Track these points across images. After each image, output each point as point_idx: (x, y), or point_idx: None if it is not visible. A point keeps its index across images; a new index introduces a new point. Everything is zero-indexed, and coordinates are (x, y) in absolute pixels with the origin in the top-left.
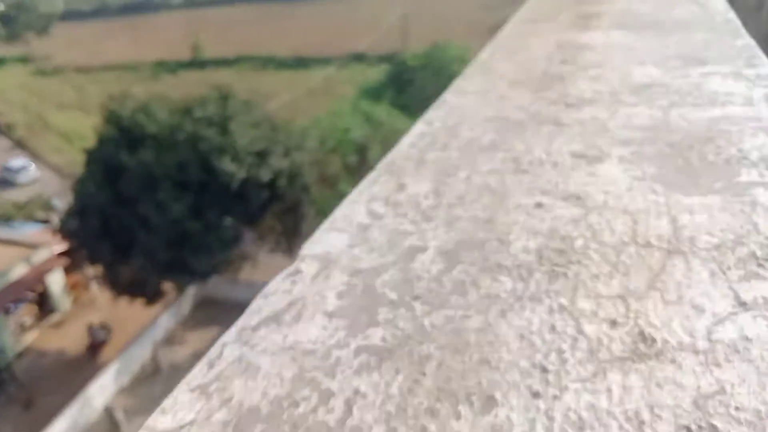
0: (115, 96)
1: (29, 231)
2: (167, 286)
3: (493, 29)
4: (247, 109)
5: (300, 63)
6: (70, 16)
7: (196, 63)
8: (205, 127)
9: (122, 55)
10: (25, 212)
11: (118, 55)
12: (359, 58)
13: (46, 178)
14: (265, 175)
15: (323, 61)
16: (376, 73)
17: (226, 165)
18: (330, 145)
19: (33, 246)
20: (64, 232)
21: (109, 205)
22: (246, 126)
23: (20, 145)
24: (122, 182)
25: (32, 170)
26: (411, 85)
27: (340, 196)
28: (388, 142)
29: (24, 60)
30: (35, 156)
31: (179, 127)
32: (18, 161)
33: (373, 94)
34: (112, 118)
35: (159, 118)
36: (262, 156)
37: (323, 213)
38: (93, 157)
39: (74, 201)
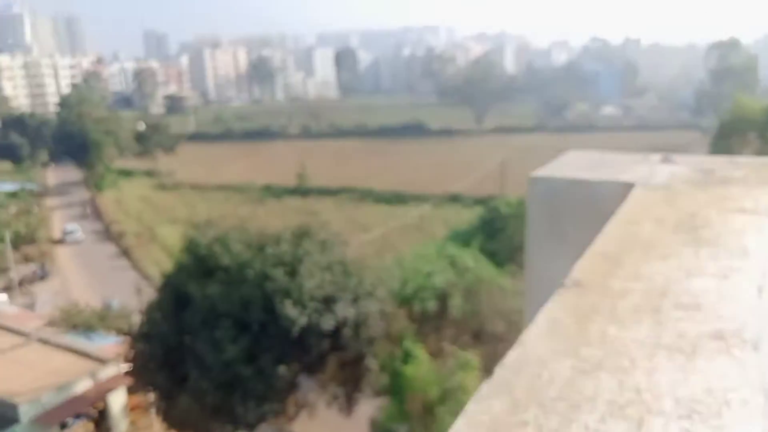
0: (197, 224)
1: (105, 344)
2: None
3: None
4: (321, 250)
5: (398, 198)
6: (197, 137)
7: (301, 190)
8: (273, 265)
9: (236, 177)
10: (106, 324)
11: (232, 177)
12: (456, 198)
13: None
14: (328, 324)
15: (421, 198)
16: (469, 216)
17: (288, 309)
18: (409, 289)
19: (103, 361)
20: (131, 352)
21: (172, 335)
22: (316, 268)
23: (126, 253)
24: (187, 313)
25: (79, 233)
26: (502, 233)
27: (405, 355)
28: (471, 290)
29: (149, 174)
30: (136, 265)
31: (249, 264)
32: (72, 226)
33: (463, 237)
34: (190, 246)
35: (233, 251)
36: (328, 302)
37: (386, 369)
38: (166, 283)
39: (142, 323)
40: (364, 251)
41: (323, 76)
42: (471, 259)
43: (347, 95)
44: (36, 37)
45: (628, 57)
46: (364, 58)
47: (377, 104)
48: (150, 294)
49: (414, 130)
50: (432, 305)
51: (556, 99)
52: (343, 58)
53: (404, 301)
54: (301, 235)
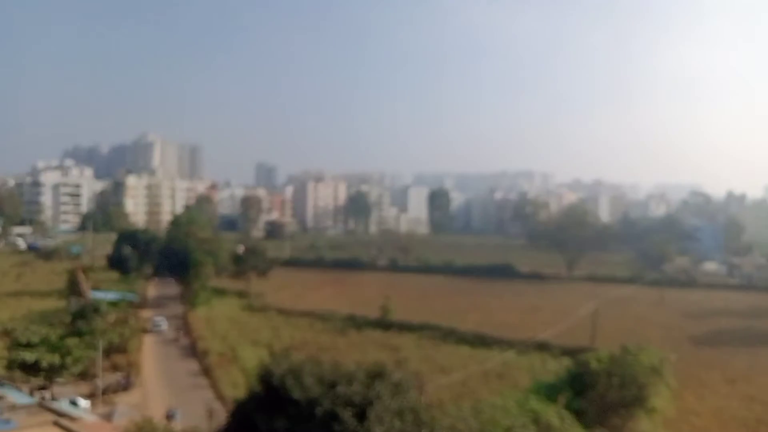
0: (273, 353)
1: None
2: None
3: (696, 340)
4: (394, 393)
5: (481, 341)
6: (291, 262)
7: (383, 323)
8: (343, 405)
9: (321, 304)
10: None
11: (318, 304)
12: (543, 347)
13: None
14: None
15: (505, 343)
16: (555, 367)
17: None
18: None
19: None
20: None
21: None
22: (387, 413)
23: (206, 371)
24: None
25: (164, 325)
26: (592, 390)
27: None
28: None
29: (241, 295)
30: (214, 385)
31: (319, 401)
32: (159, 318)
33: (548, 390)
34: (263, 376)
35: (305, 385)
36: None
37: None
38: (236, 410)
39: None
40: (441, 395)
41: (416, 213)
42: (556, 416)
43: (438, 233)
44: (162, 162)
45: (731, 212)
46: (457, 198)
47: (467, 243)
48: (221, 417)
49: (502, 272)
50: None
51: (653, 251)
52: (436, 198)
53: None
54: (375, 375)
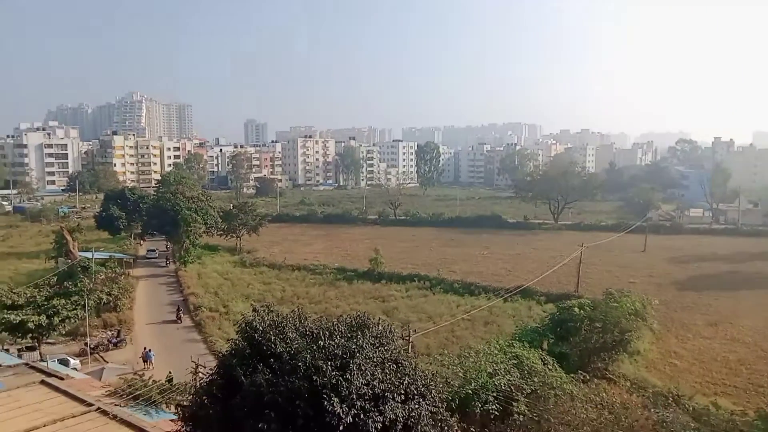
0: (257, 308)
1: (162, 419)
2: None
3: (680, 285)
4: (377, 344)
5: (468, 289)
6: (281, 218)
7: (372, 275)
8: (325, 358)
9: (311, 258)
10: (166, 398)
11: (308, 258)
12: (528, 293)
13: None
14: (374, 424)
15: (492, 291)
16: (540, 313)
17: (335, 405)
18: (469, 389)
19: None
20: None
21: (219, 420)
22: (368, 363)
23: (198, 326)
24: (234, 401)
25: (156, 254)
26: (575, 335)
27: None
28: (537, 395)
29: (232, 251)
30: (206, 340)
31: (300, 354)
32: (153, 248)
33: (532, 336)
34: (246, 330)
35: (288, 338)
36: (377, 401)
37: None
38: (219, 365)
39: (192, 403)
40: (428, 342)
41: (405, 167)
42: (539, 361)
43: (427, 186)
44: (149, 122)
45: (718, 159)
46: (446, 152)
47: (455, 196)
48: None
49: (490, 223)
50: (493, 408)
51: (639, 199)
52: (425, 151)
53: (463, 401)
54: (357, 327)
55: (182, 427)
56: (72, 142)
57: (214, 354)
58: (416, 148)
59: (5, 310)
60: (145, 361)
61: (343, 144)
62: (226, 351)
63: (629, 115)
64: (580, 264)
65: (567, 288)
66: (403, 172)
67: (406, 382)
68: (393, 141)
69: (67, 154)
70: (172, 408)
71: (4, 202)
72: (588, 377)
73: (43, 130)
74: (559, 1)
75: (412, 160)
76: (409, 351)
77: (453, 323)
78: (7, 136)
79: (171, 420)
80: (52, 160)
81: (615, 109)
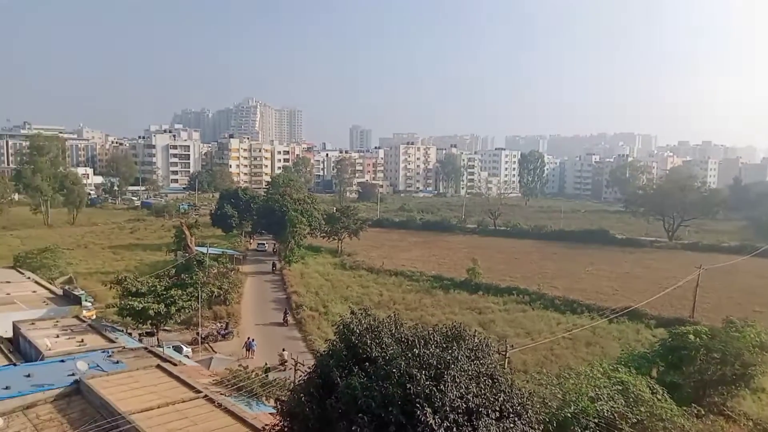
0: (355, 311)
1: (262, 412)
2: None
3: None
4: (473, 356)
5: (570, 307)
6: (381, 223)
7: (469, 285)
8: (419, 366)
9: (409, 265)
10: (267, 392)
11: (406, 264)
12: (636, 316)
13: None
14: None
15: (596, 311)
16: (650, 338)
17: (427, 416)
18: (568, 412)
19: (257, 429)
20: (275, 427)
21: (314, 419)
22: (463, 376)
23: (299, 324)
24: (329, 402)
25: (266, 246)
26: (689, 365)
27: None
28: (644, 426)
29: (333, 253)
30: (305, 338)
31: (395, 360)
32: (263, 241)
33: (640, 362)
34: (343, 332)
35: (383, 343)
36: (470, 416)
37: None
38: (316, 365)
39: (289, 400)
40: (525, 358)
41: (507, 177)
42: (647, 389)
43: (529, 197)
44: (262, 126)
45: None
46: (551, 162)
47: (558, 207)
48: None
49: (596, 238)
50: None
51: None
52: (529, 160)
53: (561, 424)
54: (453, 338)
55: (280, 421)
56: (194, 144)
57: (312, 352)
58: (519, 156)
59: (130, 297)
60: (247, 349)
61: (444, 151)
62: (324, 351)
63: (760, 126)
64: (696, 287)
65: (681, 313)
66: (505, 181)
67: (502, 398)
68: (495, 149)
69: (189, 155)
70: (272, 402)
71: (134, 198)
72: (703, 412)
73: (170, 132)
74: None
75: (514, 169)
76: (505, 366)
77: (552, 341)
78: (139, 137)
79: (270, 413)
80: (176, 160)
81: (740, 121)
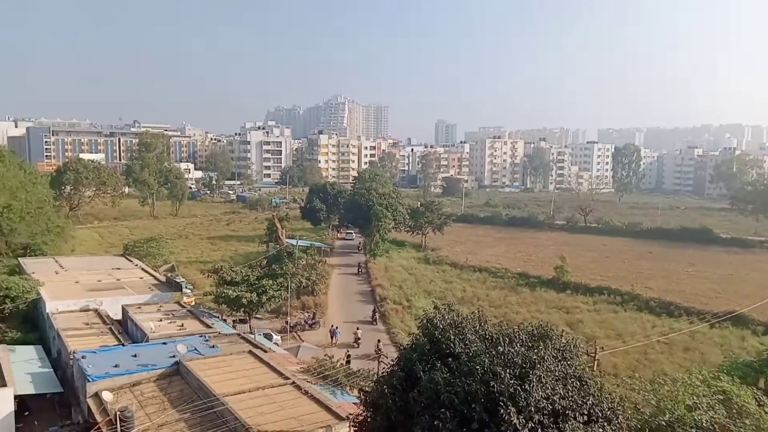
0: (438, 306)
1: (345, 401)
2: None
3: None
4: (559, 357)
5: (667, 309)
6: (465, 218)
7: (557, 284)
8: (503, 364)
9: (493, 261)
10: (351, 382)
11: (490, 260)
12: (741, 321)
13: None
14: None
15: (695, 314)
16: (756, 345)
17: (511, 415)
18: (663, 420)
19: (340, 418)
20: (358, 417)
21: (397, 411)
22: (549, 377)
23: (383, 317)
24: (412, 395)
25: (353, 236)
26: None
27: None
28: None
29: (417, 247)
30: (389, 331)
31: (479, 357)
32: (351, 231)
33: (745, 371)
34: (426, 326)
35: (467, 340)
36: (556, 418)
37: None
38: (399, 358)
39: (373, 391)
40: (615, 362)
41: (599, 171)
42: (752, 400)
43: (623, 192)
44: (350, 122)
45: None
46: (648, 156)
47: (656, 204)
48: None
49: (698, 237)
50: None
51: None
52: (623, 154)
53: None
54: (539, 337)
55: (363, 411)
56: (285, 140)
57: (395, 345)
58: (613, 150)
59: (225, 285)
60: (332, 336)
61: (532, 145)
62: (407, 345)
63: None
64: None
65: None
66: (597, 176)
67: (590, 402)
68: (587, 143)
69: (281, 150)
70: (355, 392)
71: (230, 191)
72: None
73: (263, 129)
74: None
75: (607, 163)
76: (594, 369)
77: (646, 344)
78: (235, 134)
79: (353, 403)
80: (268, 155)
81: None
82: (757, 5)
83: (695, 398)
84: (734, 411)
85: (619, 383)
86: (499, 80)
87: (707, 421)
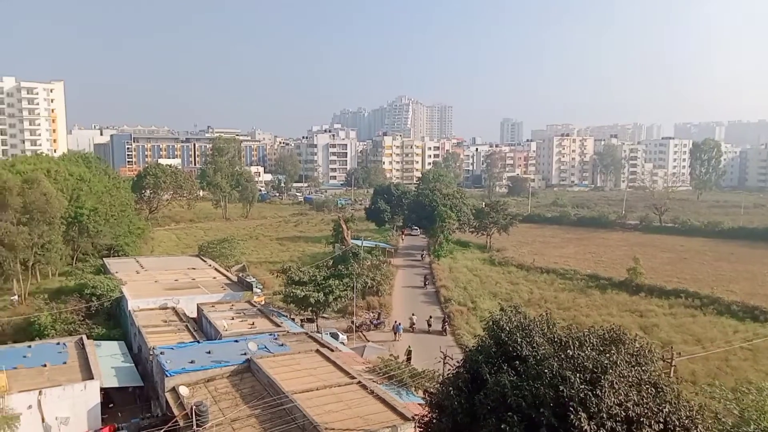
0: (504, 308)
1: (410, 402)
2: None
3: None
4: (632, 362)
5: (751, 314)
6: (532, 218)
7: (630, 286)
8: (572, 369)
9: (561, 262)
10: (416, 383)
11: (558, 261)
12: None
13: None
14: None
15: None
16: None
17: (582, 421)
18: (746, 431)
19: (405, 418)
20: (423, 418)
21: (463, 413)
22: (622, 382)
23: (448, 318)
24: (478, 398)
25: (418, 232)
26: None
27: None
28: None
29: (482, 248)
30: (453, 332)
31: (547, 360)
32: (416, 229)
33: None
34: (492, 328)
35: (534, 342)
36: (630, 425)
37: None
38: (465, 360)
39: (438, 392)
40: (694, 368)
41: (675, 168)
42: None
43: (701, 190)
44: (414, 123)
45: None
46: (729, 151)
47: (738, 202)
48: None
49: None
50: None
51: None
52: (702, 150)
53: None
54: (611, 341)
55: (428, 413)
56: (351, 143)
57: (460, 347)
58: (690, 146)
59: (293, 285)
60: (395, 333)
61: (602, 142)
62: (473, 347)
63: None
64: None
65: None
66: (673, 173)
67: (667, 410)
68: (662, 138)
69: (346, 152)
70: (420, 393)
71: (298, 193)
72: None
73: (329, 131)
74: None
75: (684, 160)
76: (671, 375)
77: (728, 351)
78: (302, 137)
79: (418, 404)
80: (334, 158)
81: None
82: None
83: None
84: None
85: (698, 391)
86: (568, 78)
87: None
